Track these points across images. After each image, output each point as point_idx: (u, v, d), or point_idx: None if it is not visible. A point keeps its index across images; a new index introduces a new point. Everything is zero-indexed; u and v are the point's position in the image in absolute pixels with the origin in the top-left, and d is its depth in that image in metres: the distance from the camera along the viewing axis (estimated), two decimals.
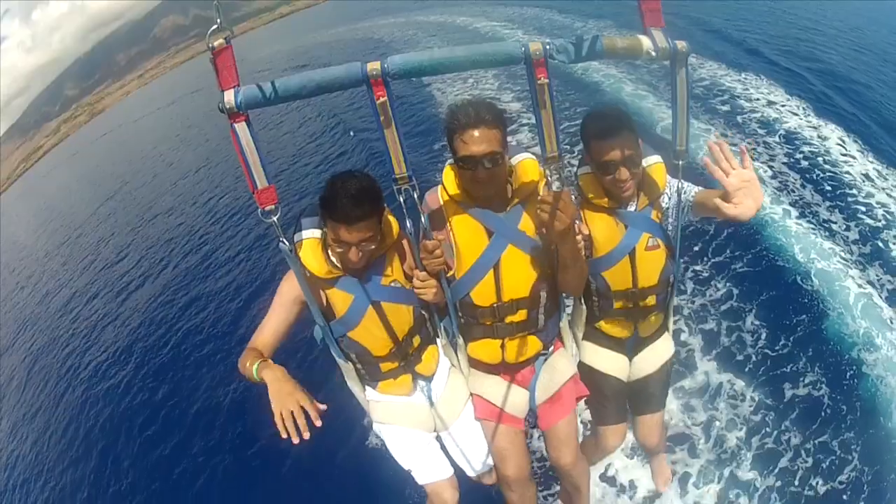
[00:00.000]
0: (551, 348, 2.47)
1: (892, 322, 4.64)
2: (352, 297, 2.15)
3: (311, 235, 2.12)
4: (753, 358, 4.64)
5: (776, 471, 3.86)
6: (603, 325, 2.56)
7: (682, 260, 2.46)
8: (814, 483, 3.79)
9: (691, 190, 2.20)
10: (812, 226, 5.87)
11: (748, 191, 1.83)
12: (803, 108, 8.34)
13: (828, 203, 6.16)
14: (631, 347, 2.62)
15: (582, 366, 2.68)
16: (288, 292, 2.11)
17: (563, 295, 2.43)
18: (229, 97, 1.68)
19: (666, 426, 2.83)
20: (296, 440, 1.65)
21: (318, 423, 1.68)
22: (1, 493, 6.79)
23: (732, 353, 4.66)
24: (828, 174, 6.64)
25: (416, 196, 1.93)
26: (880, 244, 5.50)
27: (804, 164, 6.93)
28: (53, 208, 26.48)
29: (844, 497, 3.68)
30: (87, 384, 8.03)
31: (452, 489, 2.42)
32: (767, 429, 4.12)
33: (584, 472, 2.65)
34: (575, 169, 2.41)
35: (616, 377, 2.64)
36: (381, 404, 2.43)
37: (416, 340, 2.35)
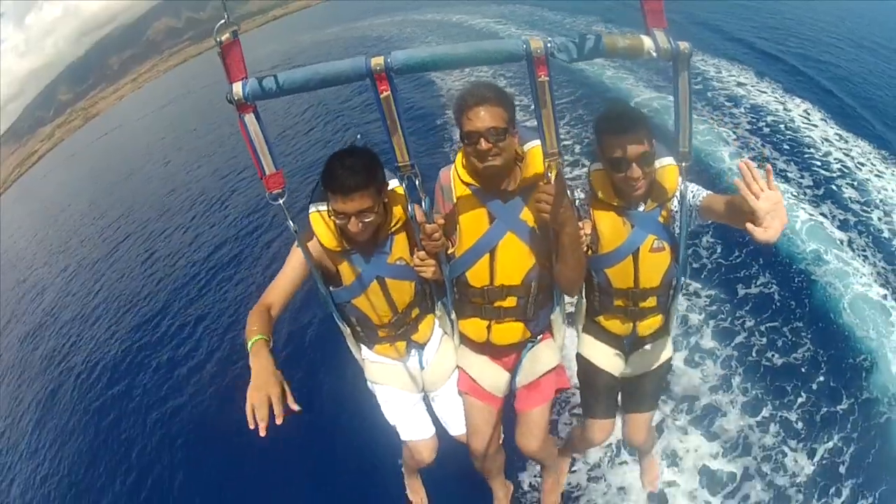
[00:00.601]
0: (539, 338, 2.56)
1: (842, 243, 5.63)
2: (359, 270, 2.28)
3: (319, 208, 2.24)
4: (709, 266, 5.61)
5: (733, 344, 4.73)
6: (602, 319, 2.58)
7: (688, 262, 2.51)
8: (770, 356, 4.53)
9: (700, 193, 2.19)
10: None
11: (776, 213, 1.73)
12: (773, 87, 9.52)
13: (785, 157, 7.29)
14: (629, 345, 2.63)
15: (579, 357, 2.74)
16: (298, 256, 2.23)
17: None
18: (237, 89, 1.76)
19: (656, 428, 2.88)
20: (259, 433, 1.63)
21: (279, 421, 1.66)
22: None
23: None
24: (788, 137, 7.79)
25: (417, 182, 2.02)
26: (833, 188, 6.57)
27: (767, 130, 8.09)
28: (50, 211, 26.26)
29: (802, 370, 4.35)
30: (87, 382, 8.04)
31: (430, 450, 2.66)
32: (722, 315, 5.04)
33: (550, 458, 2.84)
34: (588, 166, 2.43)
35: (609, 372, 2.67)
36: (376, 364, 2.59)
37: (415, 311, 2.49)
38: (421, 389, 2.69)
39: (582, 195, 2.41)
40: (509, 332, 2.45)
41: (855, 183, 6.61)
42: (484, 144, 2.05)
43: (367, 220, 2.09)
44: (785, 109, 8.62)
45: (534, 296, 2.36)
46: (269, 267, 8.14)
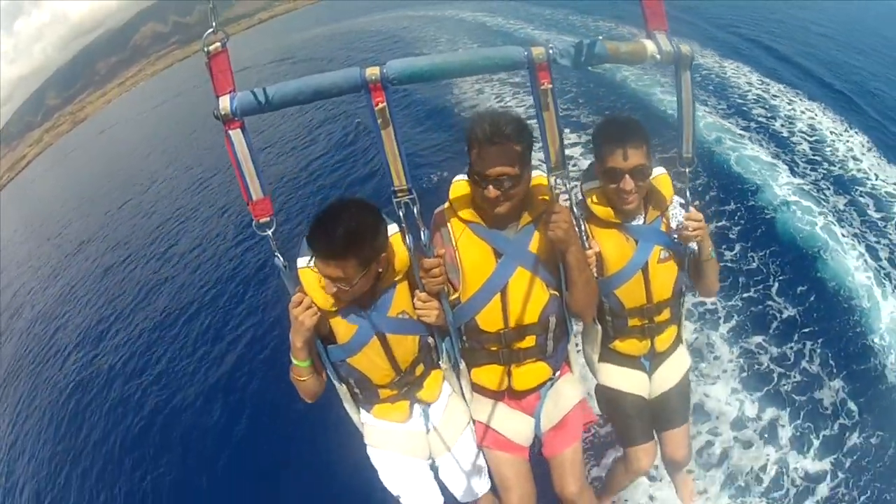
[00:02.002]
0: (558, 373, 2.37)
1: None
2: (355, 327, 2.05)
3: (310, 263, 2.00)
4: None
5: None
6: (618, 344, 2.48)
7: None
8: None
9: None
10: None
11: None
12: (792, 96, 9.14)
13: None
14: (649, 363, 2.55)
15: (601, 388, 2.60)
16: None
17: (572, 318, 2.31)
18: (224, 103, 1.64)
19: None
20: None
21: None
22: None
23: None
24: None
25: (416, 210, 1.83)
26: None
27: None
28: (42, 213, 26.08)
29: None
30: (86, 386, 7.92)
31: None
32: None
33: (591, 502, 2.52)
34: (580, 184, 2.33)
35: (637, 395, 2.55)
36: (376, 428, 2.33)
37: (420, 368, 2.24)
38: (427, 455, 2.37)
39: (577, 211, 2.27)
40: (531, 374, 2.26)
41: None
42: (492, 192, 1.94)
43: (344, 287, 1.88)
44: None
45: (552, 330, 2.19)
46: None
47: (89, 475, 6.11)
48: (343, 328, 2.06)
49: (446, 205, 2.17)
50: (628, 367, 2.54)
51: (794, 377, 4.39)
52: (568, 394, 2.38)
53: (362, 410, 2.33)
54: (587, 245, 2.21)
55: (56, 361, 9.31)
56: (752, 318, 4.98)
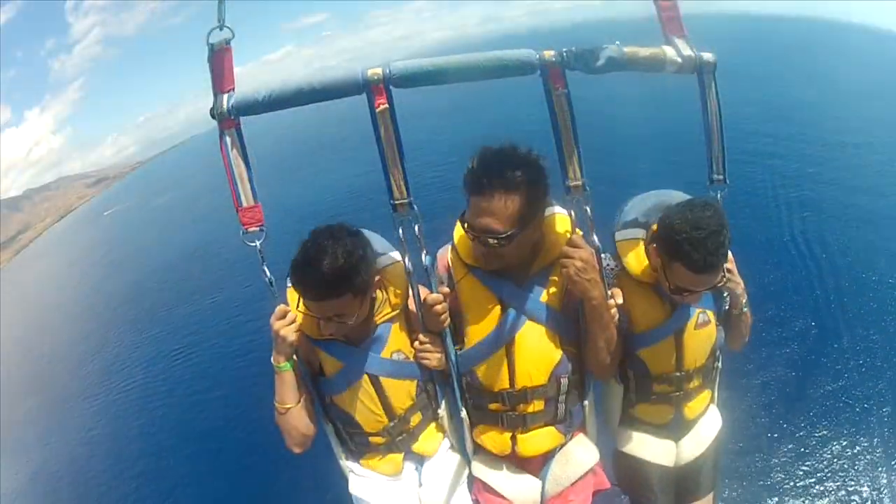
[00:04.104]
0: (570, 435, 2.06)
1: None
2: (341, 364, 1.86)
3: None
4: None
5: None
6: (641, 409, 2.19)
7: None
8: None
9: None
10: None
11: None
12: None
13: None
14: (675, 429, 2.23)
15: (620, 455, 2.28)
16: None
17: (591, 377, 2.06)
18: (223, 101, 1.59)
19: None
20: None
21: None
22: None
23: None
24: None
25: (416, 229, 1.68)
26: None
27: None
28: None
29: None
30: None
31: None
32: None
33: None
34: (614, 230, 2.02)
35: (662, 465, 2.22)
36: (362, 479, 2.05)
37: (416, 418, 1.99)
38: None
39: (612, 262, 1.99)
40: (539, 441, 1.97)
41: None
42: (477, 248, 1.73)
43: (340, 322, 1.71)
44: None
45: (565, 393, 1.91)
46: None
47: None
48: (330, 364, 1.87)
49: (449, 246, 1.93)
50: (652, 435, 2.23)
51: None
52: (579, 458, 2.06)
53: (350, 458, 2.08)
54: (608, 294, 1.87)
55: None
56: None
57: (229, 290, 11.18)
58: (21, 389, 11.26)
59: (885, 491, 3.75)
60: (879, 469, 3.96)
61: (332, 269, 1.58)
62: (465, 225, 1.70)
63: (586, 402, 2.05)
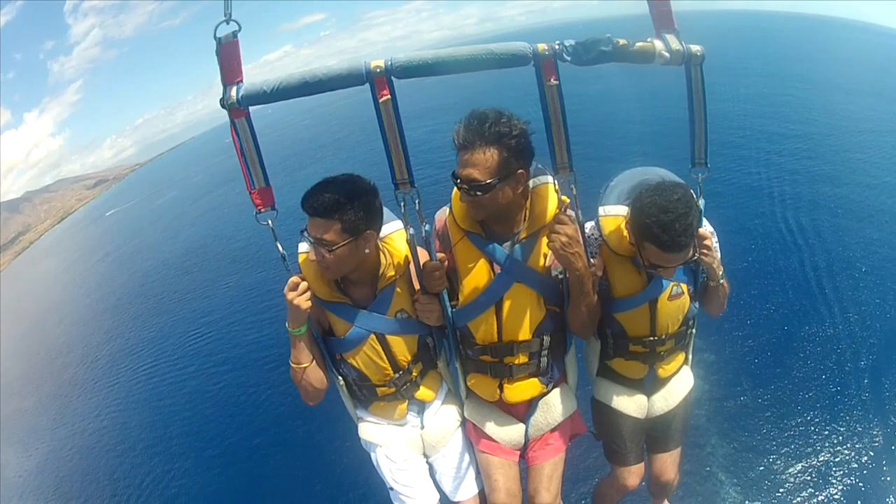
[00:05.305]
0: (551, 385, 2.29)
1: None
2: (350, 325, 2.03)
3: (308, 248, 1.97)
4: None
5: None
6: (617, 364, 2.37)
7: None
8: None
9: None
10: None
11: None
12: None
13: None
14: (649, 385, 2.43)
15: (596, 403, 2.50)
16: None
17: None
18: (232, 92, 1.67)
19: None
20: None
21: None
22: None
23: None
24: None
25: (417, 203, 1.84)
26: None
27: None
28: None
29: None
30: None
31: None
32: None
33: None
34: (598, 208, 2.15)
35: (634, 416, 2.43)
36: (371, 424, 2.31)
37: (418, 368, 2.21)
38: (422, 451, 2.34)
39: (597, 232, 2.15)
40: (523, 389, 2.20)
41: None
42: (465, 197, 1.86)
43: (325, 254, 1.83)
44: None
45: (547, 349, 2.12)
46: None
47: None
48: (340, 325, 2.04)
49: (447, 209, 2.11)
50: (626, 387, 2.42)
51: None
52: (559, 406, 2.29)
53: (359, 407, 2.32)
54: (591, 264, 2.02)
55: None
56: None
57: (238, 280, 11.36)
58: (21, 388, 11.34)
59: (864, 462, 3.83)
60: (855, 441, 4.07)
61: (330, 194, 1.77)
62: (454, 177, 1.86)
63: (567, 357, 2.26)
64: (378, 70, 1.66)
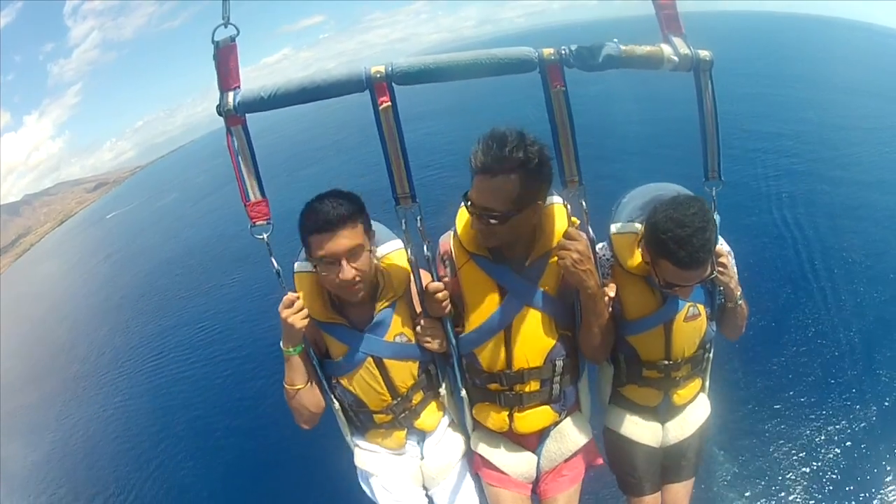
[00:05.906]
0: (564, 414, 2.16)
1: None
2: (346, 347, 1.93)
3: (305, 268, 1.89)
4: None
5: None
6: (630, 391, 2.25)
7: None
8: None
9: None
10: None
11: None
12: None
13: None
14: (663, 413, 2.30)
15: (609, 432, 2.36)
16: None
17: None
18: (229, 98, 1.61)
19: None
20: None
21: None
22: None
23: None
24: None
25: (418, 220, 1.76)
26: None
27: None
28: None
29: None
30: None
31: None
32: None
33: None
34: (610, 225, 2.06)
35: (648, 445, 2.29)
36: (367, 453, 2.17)
37: (418, 396, 2.09)
38: (420, 483, 2.19)
39: (608, 252, 2.05)
40: (535, 419, 2.06)
41: None
42: (476, 223, 1.76)
43: (359, 263, 1.74)
44: None
45: (560, 375, 1.99)
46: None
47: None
48: (336, 347, 1.95)
49: (451, 233, 1.99)
50: (640, 416, 2.29)
51: None
52: (573, 436, 2.16)
53: (355, 433, 2.19)
54: (605, 282, 1.95)
55: None
56: None
57: (237, 284, 11.41)
58: (23, 385, 11.33)
59: (879, 475, 3.79)
60: (871, 457, 4.02)
61: (342, 200, 1.71)
62: (468, 202, 1.75)
63: (580, 383, 2.14)
64: (378, 76, 1.60)
